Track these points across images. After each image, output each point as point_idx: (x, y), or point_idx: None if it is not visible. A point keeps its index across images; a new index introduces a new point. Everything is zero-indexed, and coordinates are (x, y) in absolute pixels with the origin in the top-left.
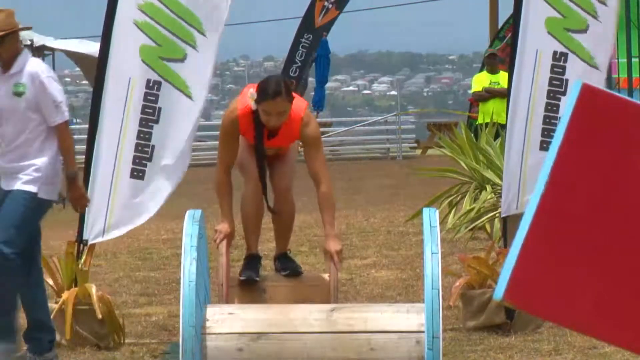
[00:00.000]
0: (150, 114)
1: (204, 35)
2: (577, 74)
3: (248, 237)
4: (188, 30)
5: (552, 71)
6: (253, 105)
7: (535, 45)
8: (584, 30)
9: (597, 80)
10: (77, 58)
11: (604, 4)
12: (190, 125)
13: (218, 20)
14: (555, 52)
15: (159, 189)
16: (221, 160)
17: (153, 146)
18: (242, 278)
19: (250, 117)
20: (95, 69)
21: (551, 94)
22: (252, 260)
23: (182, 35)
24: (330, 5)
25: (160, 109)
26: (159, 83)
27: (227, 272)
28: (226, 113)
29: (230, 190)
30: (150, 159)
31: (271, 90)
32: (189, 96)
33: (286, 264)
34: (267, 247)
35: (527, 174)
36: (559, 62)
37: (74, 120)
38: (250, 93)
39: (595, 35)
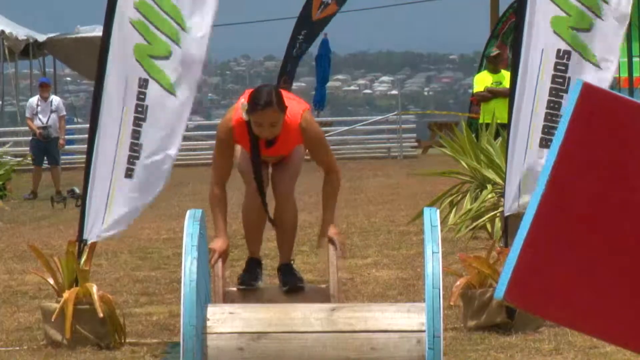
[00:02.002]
0: (140, 112)
1: (187, 33)
2: (579, 72)
3: (249, 244)
4: (174, 28)
5: (555, 69)
6: (245, 117)
7: (542, 44)
8: (588, 29)
9: (600, 79)
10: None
11: (607, 2)
12: (176, 123)
13: (205, 18)
14: (559, 50)
15: (145, 189)
16: (216, 173)
17: (141, 144)
18: (239, 285)
19: (244, 128)
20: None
21: (553, 92)
22: (253, 265)
23: (168, 32)
24: (329, 0)
25: (147, 107)
26: (147, 81)
27: (222, 286)
28: (221, 122)
29: (224, 206)
30: (138, 157)
31: (262, 100)
32: (172, 94)
33: (287, 278)
34: (267, 246)
35: (527, 171)
36: (561, 60)
37: (75, 120)
38: (242, 104)
39: (599, 34)
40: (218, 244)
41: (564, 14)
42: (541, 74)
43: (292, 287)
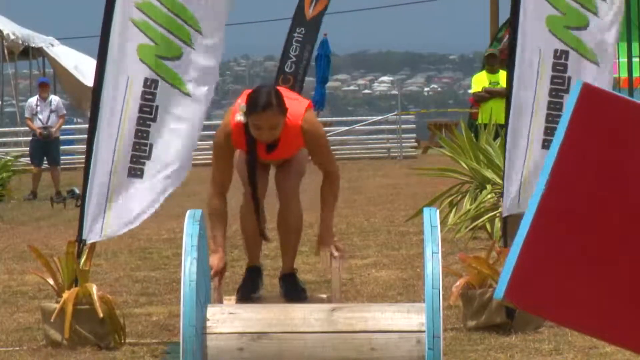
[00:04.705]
0: (147, 112)
1: (200, 33)
2: (578, 71)
3: (248, 250)
4: (184, 28)
5: (554, 69)
6: (242, 119)
7: (537, 44)
8: (584, 27)
9: (598, 77)
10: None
11: (604, 0)
12: (191, 124)
13: (218, 19)
14: (556, 50)
15: (159, 189)
16: (214, 183)
17: (151, 144)
18: (238, 298)
19: (242, 132)
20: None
21: (553, 92)
22: (252, 275)
23: (178, 33)
24: None
25: (157, 107)
26: (156, 81)
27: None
28: (219, 129)
29: (224, 219)
30: (148, 157)
31: (261, 102)
32: (186, 94)
33: (292, 293)
34: (267, 247)
35: (529, 172)
36: (560, 60)
37: (74, 120)
38: (239, 105)
39: (596, 32)
40: (215, 262)
41: (558, 13)
42: (540, 74)
43: (296, 302)
